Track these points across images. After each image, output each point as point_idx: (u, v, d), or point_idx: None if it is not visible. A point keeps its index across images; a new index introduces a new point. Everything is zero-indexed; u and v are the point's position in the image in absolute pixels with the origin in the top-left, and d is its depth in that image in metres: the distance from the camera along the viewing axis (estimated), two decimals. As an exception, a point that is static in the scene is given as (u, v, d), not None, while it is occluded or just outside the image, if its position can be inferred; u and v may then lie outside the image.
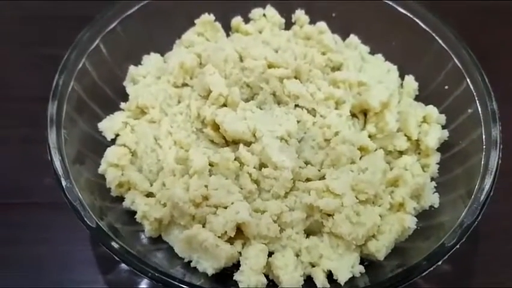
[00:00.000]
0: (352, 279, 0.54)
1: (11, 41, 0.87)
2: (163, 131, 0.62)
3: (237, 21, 0.77)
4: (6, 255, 0.64)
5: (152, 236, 0.59)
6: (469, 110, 0.62)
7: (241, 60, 0.68)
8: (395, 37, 0.73)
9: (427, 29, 0.69)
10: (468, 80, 0.63)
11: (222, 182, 0.58)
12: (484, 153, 0.57)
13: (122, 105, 0.67)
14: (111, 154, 0.61)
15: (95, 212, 0.50)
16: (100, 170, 0.61)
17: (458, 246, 0.49)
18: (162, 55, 0.75)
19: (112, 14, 0.68)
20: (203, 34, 0.75)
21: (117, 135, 0.64)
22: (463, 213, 0.52)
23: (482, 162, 0.56)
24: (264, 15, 0.79)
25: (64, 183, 0.51)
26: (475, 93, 0.62)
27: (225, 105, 0.65)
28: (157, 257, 0.57)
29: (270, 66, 0.66)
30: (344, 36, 0.78)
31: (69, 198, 0.50)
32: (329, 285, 0.54)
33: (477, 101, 0.61)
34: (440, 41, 0.68)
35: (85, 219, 0.49)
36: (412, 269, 0.48)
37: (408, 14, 0.71)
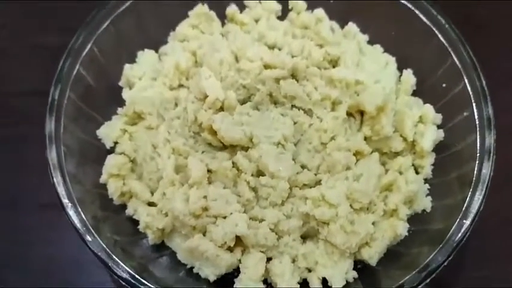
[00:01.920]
0: (346, 284, 0.58)
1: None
2: (161, 139, 0.63)
3: (232, 10, 0.75)
4: (14, 256, 0.67)
5: (155, 243, 0.62)
6: (465, 113, 0.62)
7: (237, 60, 0.67)
8: (395, 27, 0.71)
9: (428, 22, 0.67)
10: (466, 80, 0.63)
11: (220, 192, 0.59)
12: (477, 161, 0.58)
13: (119, 110, 0.67)
14: (111, 164, 0.62)
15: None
16: (102, 179, 0.62)
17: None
18: (157, 49, 0.74)
19: (104, 13, 0.66)
20: (197, 26, 0.74)
21: (116, 142, 0.65)
22: (454, 225, 0.54)
23: (475, 172, 0.57)
24: (260, 2, 0.76)
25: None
26: (472, 96, 0.62)
27: (222, 108, 0.65)
28: (161, 264, 0.61)
29: (266, 66, 0.65)
30: (342, 23, 0.76)
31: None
32: (323, 291, 0.57)
33: (473, 104, 0.61)
34: (440, 36, 0.66)
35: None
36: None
37: (409, 5, 0.68)
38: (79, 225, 0.52)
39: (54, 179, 0.55)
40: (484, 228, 0.67)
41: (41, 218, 0.69)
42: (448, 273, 0.65)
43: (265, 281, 0.59)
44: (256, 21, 0.76)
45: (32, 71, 0.80)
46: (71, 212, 0.52)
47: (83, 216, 0.53)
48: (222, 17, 0.76)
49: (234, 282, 0.58)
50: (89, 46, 0.65)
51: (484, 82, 0.61)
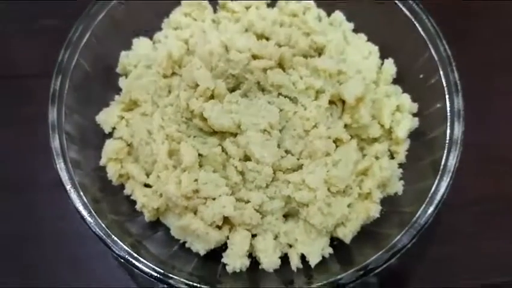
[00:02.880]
0: (322, 260, 0.64)
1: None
2: (155, 125, 0.68)
3: (223, -2, 0.79)
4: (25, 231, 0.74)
5: (151, 221, 0.68)
6: (438, 104, 0.66)
7: (227, 50, 0.71)
8: (379, 17, 0.74)
9: (409, 15, 0.70)
10: (441, 72, 0.67)
11: (210, 176, 0.65)
12: (445, 151, 0.63)
13: (117, 97, 0.71)
14: (110, 149, 0.67)
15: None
16: (101, 162, 0.68)
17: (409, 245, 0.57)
18: (151, 36, 0.77)
19: (101, 4, 0.70)
20: (190, 14, 0.77)
21: (114, 128, 0.70)
22: (420, 210, 0.60)
23: (443, 161, 0.62)
24: (251, -12, 0.79)
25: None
26: (445, 88, 0.66)
27: (212, 96, 0.69)
28: (156, 239, 0.67)
29: (254, 57, 0.69)
30: (330, 11, 0.79)
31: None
32: (301, 266, 0.64)
33: (446, 96, 0.66)
34: (420, 30, 0.69)
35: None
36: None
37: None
38: (80, 208, 0.58)
39: (57, 166, 0.60)
40: (455, 206, 0.75)
41: (52, 196, 0.74)
42: (419, 247, 0.72)
43: (250, 255, 0.66)
44: (247, 8, 0.79)
45: (33, 54, 0.85)
46: (73, 197, 0.58)
47: (85, 199, 0.59)
48: (215, 3, 0.80)
49: (222, 256, 0.65)
50: (87, 36, 0.69)
51: (457, 77, 0.65)
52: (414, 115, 0.71)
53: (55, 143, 0.62)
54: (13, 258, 0.74)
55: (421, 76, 0.70)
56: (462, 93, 0.65)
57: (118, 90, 0.73)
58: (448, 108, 0.65)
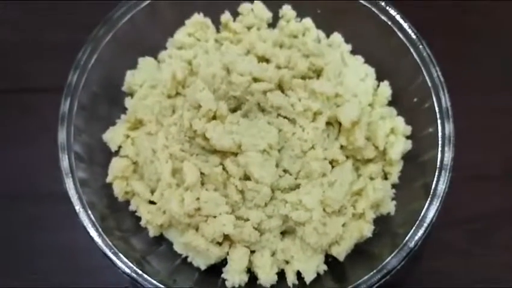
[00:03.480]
0: (317, 276, 0.68)
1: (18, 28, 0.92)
2: (159, 145, 0.71)
3: (226, 18, 0.81)
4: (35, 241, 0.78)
5: (155, 235, 0.71)
6: (430, 129, 0.69)
7: (228, 72, 0.74)
8: (375, 40, 0.77)
9: (403, 39, 0.73)
10: (434, 98, 0.70)
11: (211, 195, 0.68)
12: (436, 174, 0.66)
13: (123, 116, 0.75)
14: (116, 167, 0.71)
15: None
16: (108, 180, 0.71)
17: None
18: (156, 55, 0.80)
19: (107, 27, 0.73)
20: (193, 34, 0.80)
21: (120, 146, 0.73)
22: (410, 232, 0.63)
23: (433, 186, 0.65)
24: (252, 10, 0.82)
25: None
26: (437, 114, 0.69)
27: (214, 117, 0.72)
28: (159, 253, 0.70)
29: (254, 80, 0.72)
30: (329, 32, 0.82)
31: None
32: (297, 282, 0.68)
33: (438, 121, 0.69)
34: (414, 54, 0.72)
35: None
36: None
37: (389, 23, 0.74)
38: (88, 227, 0.61)
39: (67, 185, 0.63)
40: (446, 223, 0.78)
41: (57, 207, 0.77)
42: (410, 261, 0.75)
43: (248, 271, 0.69)
44: (249, 28, 0.82)
45: (40, 68, 0.88)
46: (82, 217, 0.61)
47: (93, 218, 0.62)
48: (217, 22, 0.83)
49: (222, 272, 0.68)
50: (94, 57, 0.72)
51: (448, 103, 0.68)
52: (408, 137, 0.74)
53: (64, 164, 0.65)
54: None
55: (415, 100, 0.73)
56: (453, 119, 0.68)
57: (124, 109, 0.76)
58: (440, 134, 0.68)
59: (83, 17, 0.82)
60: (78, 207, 0.62)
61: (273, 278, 0.68)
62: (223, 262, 0.70)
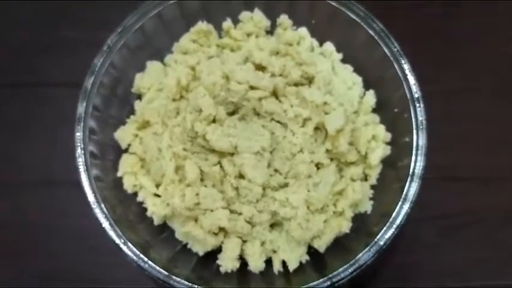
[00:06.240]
0: (300, 265, 0.78)
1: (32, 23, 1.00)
2: (164, 144, 0.80)
3: (227, 25, 0.88)
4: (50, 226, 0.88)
5: (159, 224, 0.81)
6: (406, 138, 0.77)
7: (228, 79, 0.81)
8: (363, 51, 0.84)
9: (388, 54, 0.80)
10: (411, 110, 0.77)
11: (209, 191, 0.77)
12: (408, 181, 0.74)
13: (132, 117, 0.83)
14: (126, 163, 0.80)
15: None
16: (119, 174, 0.80)
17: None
18: (162, 57, 0.88)
19: (119, 35, 0.80)
20: (197, 41, 0.87)
21: (129, 144, 0.82)
22: (381, 231, 0.72)
23: (405, 190, 0.74)
24: (252, 18, 0.89)
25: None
26: (413, 125, 0.77)
27: (214, 120, 0.80)
28: (162, 240, 0.80)
29: (251, 87, 0.80)
30: (322, 40, 0.89)
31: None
32: (282, 270, 0.77)
33: (413, 132, 0.76)
34: (396, 67, 0.79)
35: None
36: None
37: (376, 37, 0.81)
38: (102, 221, 0.71)
39: (82, 181, 0.73)
40: (420, 220, 0.87)
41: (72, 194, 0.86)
42: (384, 255, 0.84)
43: (240, 258, 0.79)
44: (248, 35, 0.89)
45: (54, 64, 0.96)
46: (96, 211, 0.71)
47: (106, 212, 0.72)
48: (220, 27, 0.90)
49: (217, 258, 0.78)
50: (107, 65, 0.79)
51: (424, 117, 0.76)
52: (388, 143, 0.82)
53: (80, 161, 0.74)
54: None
55: (396, 110, 0.81)
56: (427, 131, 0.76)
57: (133, 109, 0.84)
58: (414, 144, 0.76)
59: (98, 14, 0.93)
60: (93, 201, 0.71)
61: (262, 265, 0.77)
62: (219, 249, 0.79)
